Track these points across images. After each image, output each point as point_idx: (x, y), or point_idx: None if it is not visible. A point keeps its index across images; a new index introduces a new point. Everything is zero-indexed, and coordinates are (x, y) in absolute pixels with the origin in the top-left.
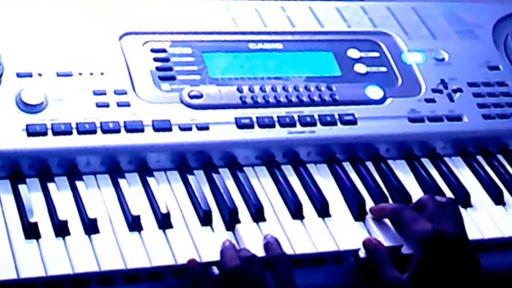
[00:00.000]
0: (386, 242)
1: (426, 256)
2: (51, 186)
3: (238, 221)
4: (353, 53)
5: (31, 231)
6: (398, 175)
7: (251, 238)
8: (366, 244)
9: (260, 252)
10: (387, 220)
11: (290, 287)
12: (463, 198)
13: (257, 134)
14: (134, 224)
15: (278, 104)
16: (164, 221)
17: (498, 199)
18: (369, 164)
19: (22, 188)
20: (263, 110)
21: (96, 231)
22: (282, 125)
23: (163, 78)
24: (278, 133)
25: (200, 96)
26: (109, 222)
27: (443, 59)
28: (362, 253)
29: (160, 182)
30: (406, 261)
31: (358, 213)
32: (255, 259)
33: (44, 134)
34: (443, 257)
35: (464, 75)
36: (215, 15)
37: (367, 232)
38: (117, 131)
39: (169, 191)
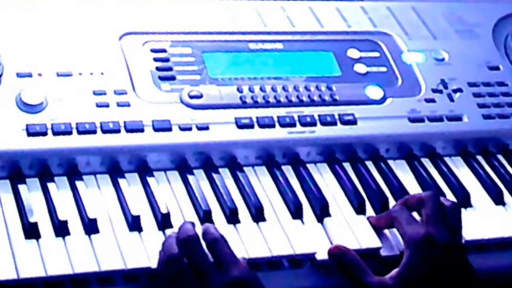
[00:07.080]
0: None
1: (415, 259)
2: (51, 186)
3: (238, 221)
4: (353, 53)
5: (31, 231)
6: (398, 175)
7: (251, 238)
8: (333, 252)
9: (259, 252)
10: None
11: (234, 263)
12: (463, 198)
13: (257, 134)
14: (134, 224)
15: (278, 104)
16: (164, 221)
17: (498, 199)
18: (369, 164)
19: (22, 188)
20: (263, 110)
21: (96, 231)
22: (282, 125)
23: (163, 78)
24: (278, 133)
25: (200, 96)
26: (109, 222)
27: (443, 59)
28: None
29: (160, 182)
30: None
31: (358, 213)
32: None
33: (44, 134)
34: (431, 262)
35: (464, 75)
36: (215, 15)
37: (366, 232)
38: (117, 131)
39: (169, 191)
